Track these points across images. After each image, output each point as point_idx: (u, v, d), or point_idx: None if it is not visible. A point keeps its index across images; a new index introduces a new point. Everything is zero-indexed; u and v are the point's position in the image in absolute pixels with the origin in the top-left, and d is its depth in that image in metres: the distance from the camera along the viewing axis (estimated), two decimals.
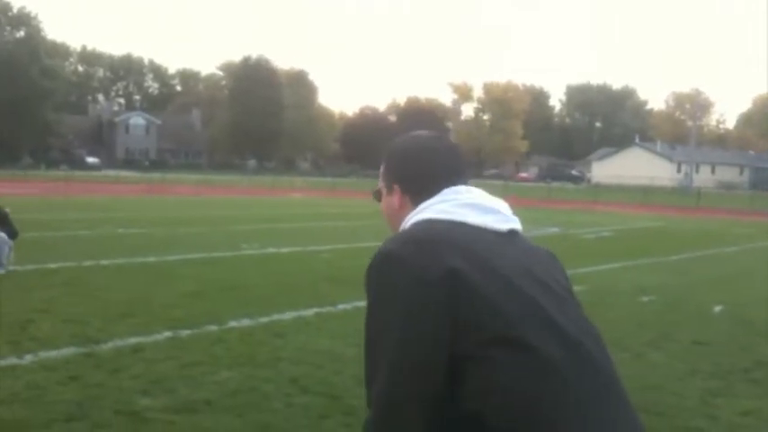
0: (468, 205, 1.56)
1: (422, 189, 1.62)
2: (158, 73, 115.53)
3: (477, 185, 1.64)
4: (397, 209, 1.67)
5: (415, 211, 1.60)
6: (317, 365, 5.58)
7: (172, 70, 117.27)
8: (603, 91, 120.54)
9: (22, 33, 75.21)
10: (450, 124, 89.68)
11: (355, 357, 5.83)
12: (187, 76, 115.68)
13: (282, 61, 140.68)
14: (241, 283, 9.13)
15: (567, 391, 1.33)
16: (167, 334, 6.36)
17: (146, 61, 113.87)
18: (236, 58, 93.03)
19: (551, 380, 1.33)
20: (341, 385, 5.10)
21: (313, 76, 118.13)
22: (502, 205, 1.61)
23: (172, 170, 75.84)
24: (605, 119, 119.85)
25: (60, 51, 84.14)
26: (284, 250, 12.98)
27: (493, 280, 1.40)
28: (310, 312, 7.55)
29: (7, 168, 62.14)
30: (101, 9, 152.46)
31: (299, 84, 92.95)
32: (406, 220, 1.61)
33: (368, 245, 14.40)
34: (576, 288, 1.62)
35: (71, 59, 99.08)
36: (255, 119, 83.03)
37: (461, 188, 1.61)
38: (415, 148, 1.70)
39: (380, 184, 1.73)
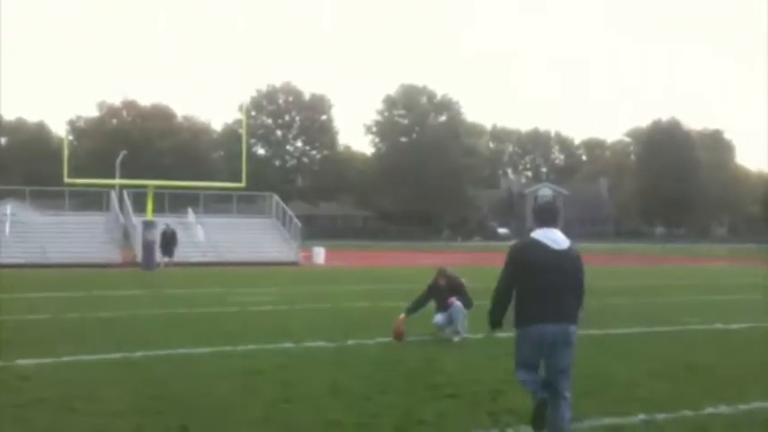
0: (545, 236, 4.98)
1: (536, 225, 5.10)
2: (564, 144, 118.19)
3: None
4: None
5: (531, 233, 5.09)
6: None
7: (577, 141, 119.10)
8: None
9: (444, 117, 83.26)
10: None
11: None
12: (593, 146, 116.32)
13: (694, 122, 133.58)
14: (702, 363, 8.37)
15: (543, 295, 4.94)
16: (641, 416, 5.98)
17: (552, 134, 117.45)
18: (643, 123, 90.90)
19: (538, 289, 4.95)
20: None
21: (729, 135, 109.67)
22: (560, 238, 4.99)
23: (579, 239, 76.23)
24: None
25: (476, 131, 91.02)
26: (733, 326, 11.77)
27: (536, 259, 4.94)
28: None
29: (430, 241, 68.52)
30: (507, 89, 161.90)
31: (714, 144, 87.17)
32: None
33: None
34: None
35: (484, 137, 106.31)
36: (666, 183, 79.63)
37: (548, 229, 5.03)
38: (537, 207, 5.25)
39: None
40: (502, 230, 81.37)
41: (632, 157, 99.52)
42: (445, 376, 7.45)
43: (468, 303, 9.93)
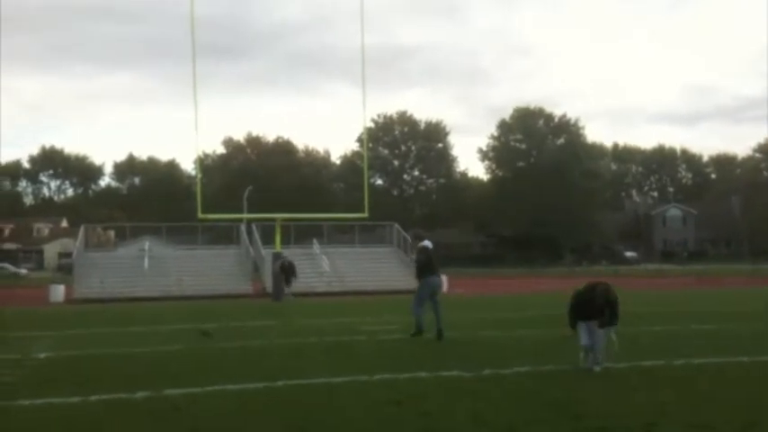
0: (428, 242, 13.94)
1: (422, 240, 14.20)
2: (691, 162, 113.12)
3: None
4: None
5: (422, 243, 14.08)
6: None
7: (705, 158, 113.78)
8: None
9: (562, 140, 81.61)
10: None
11: None
12: (722, 162, 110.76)
13: None
14: None
15: (431, 264, 13.49)
16: None
17: (678, 151, 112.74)
18: None
19: (429, 263, 13.51)
20: None
21: None
22: (430, 243, 13.87)
23: (711, 261, 72.45)
24: None
25: (597, 151, 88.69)
26: None
27: (426, 251, 13.63)
28: None
29: (551, 266, 66.97)
30: (628, 105, 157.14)
31: None
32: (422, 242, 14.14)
33: None
34: None
35: (606, 158, 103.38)
36: None
37: (427, 241, 13.99)
38: (422, 241, 14.24)
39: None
40: (629, 254, 78.49)
41: (765, 173, 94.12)
42: (590, 408, 7.14)
43: (613, 318, 9.34)
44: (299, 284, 29.74)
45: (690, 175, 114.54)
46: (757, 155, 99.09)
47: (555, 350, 11.21)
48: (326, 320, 18.10)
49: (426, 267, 13.47)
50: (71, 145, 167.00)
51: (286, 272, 28.68)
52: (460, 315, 19.01)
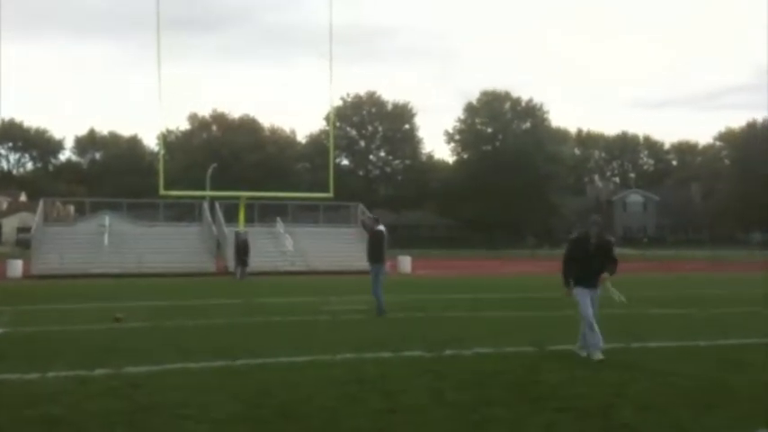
0: (381, 225, 15.02)
1: (378, 224, 15.12)
2: (653, 149, 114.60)
3: None
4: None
5: (377, 227, 14.96)
6: None
7: (667, 145, 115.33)
8: None
9: (528, 124, 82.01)
10: None
11: None
12: (683, 150, 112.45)
13: None
14: None
15: (382, 249, 14.63)
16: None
17: (640, 138, 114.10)
18: (735, 125, 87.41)
19: (380, 243, 14.57)
20: None
21: None
22: (384, 228, 14.88)
23: (671, 246, 73.71)
24: None
25: (561, 136, 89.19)
26: None
27: (380, 234, 14.64)
28: None
29: (514, 249, 67.62)
30: (594, 91, 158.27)
31: None
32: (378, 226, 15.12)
33: None
34: None
35: (569, 143, 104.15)
36: (763, 188, 76.20)
37: (381, 225, 15.04)
38: (376, 226, 15.17)
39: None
40: None
41: (726, 161, 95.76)
42: (549, 389, 7.23)
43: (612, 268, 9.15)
44: (262, 263, 29.56)
45: (651, 162, 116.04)
46: (718, 143, 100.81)
47: (516, 332, 11.34)
48: (290, 300, 18.07)
49: (378, 251, 14.45)
50: (31, 118, 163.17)
51: (240, 250, 27.95)
52: (424, 296, 19.13)
